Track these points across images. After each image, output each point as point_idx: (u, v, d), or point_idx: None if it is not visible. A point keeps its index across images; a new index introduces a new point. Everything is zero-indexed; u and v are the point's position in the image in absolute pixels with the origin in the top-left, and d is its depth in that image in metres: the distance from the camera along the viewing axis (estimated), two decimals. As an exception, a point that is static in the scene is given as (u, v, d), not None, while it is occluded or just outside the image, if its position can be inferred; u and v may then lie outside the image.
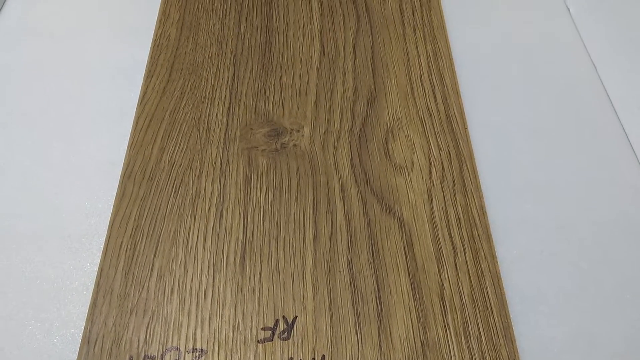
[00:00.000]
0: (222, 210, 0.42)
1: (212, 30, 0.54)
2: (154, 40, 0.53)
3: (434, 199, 0.43)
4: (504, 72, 0.53)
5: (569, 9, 0.58)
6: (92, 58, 0.54)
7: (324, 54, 0.53)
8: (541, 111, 0.51)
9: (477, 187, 0.44)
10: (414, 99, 0.49)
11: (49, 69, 0.53)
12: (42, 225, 0.43)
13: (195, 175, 0.44)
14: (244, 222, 0.41)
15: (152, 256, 0.40)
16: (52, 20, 0.58)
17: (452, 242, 0.40)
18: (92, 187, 0.45)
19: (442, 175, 0.44)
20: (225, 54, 0.52)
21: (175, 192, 0.43)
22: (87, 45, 0.55)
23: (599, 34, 0.54)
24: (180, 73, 0.51)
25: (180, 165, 0.45)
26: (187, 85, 0.50)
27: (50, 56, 0.54)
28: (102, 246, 0.41)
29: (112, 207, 0.42)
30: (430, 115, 0.48)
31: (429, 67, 0.51)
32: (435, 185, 0.43)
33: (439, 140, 0.46)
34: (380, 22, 0.55)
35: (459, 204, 0.42)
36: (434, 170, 0.44)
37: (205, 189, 0.43)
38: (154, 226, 0.41)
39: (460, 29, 0.56)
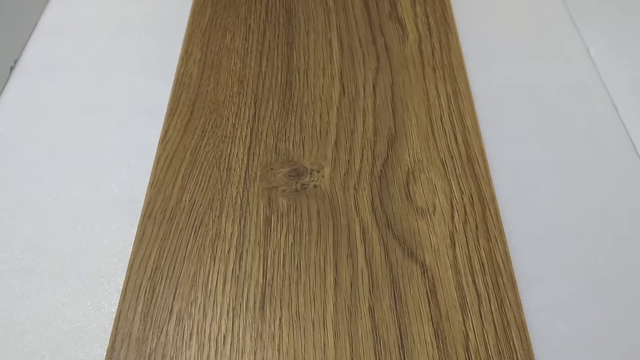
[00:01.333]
0: (242, 252, 0.42)
1: (234, 69, 0.55)
2: (176, 79, 0.54)
3: (456, 244, 0.42)
4: (524, 114, 0.53)
5: (588, 51, 0.58)
6: (116, 95, 0.55)
7: (344, 94, 0.53)
8: (563, 153, 0.50)
9: (501, 232, 0.43)
10: (435, 140, 0.49)
11: (72, 105, 0.54)
12: (61, 265, 0.43)
13: (215, 216, 0.44)
14: (264, 264, 0.41)
15: (171, 299, 0.39)
16: (75, 56, 0.59)
17: (477, 290, 0.39)
18: (112, 226, 0.45)
19: (465, 219, 0.43)
20: (247, 93, 0.53)
21: (195, 232, 0.43)
22: (110, 82, 0.56)
23: (620, 75, 0.54)
24: (202, 112, 0.51)
25: (201, 205, 0.45)
26: (209, 124, 0.50)
27: (73, 92, 0.55)
28: (120, 287, 0.40)
29: (131, 247, 0.42)
30: (452, 157, 0.48)
31: (449, 107, 0.51)
32: (457, 230, 0.43)
33: (460, 182, 0.46)
34: (400, 62, 0.55)
35: (482, 249, 0.42)
36: (456, 214, 0.44)
37: (225, 230, 0.43)
38: (174, 267, 0.41)
39: (480, 69, 0.56)
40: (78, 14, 0.63)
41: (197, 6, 0.60)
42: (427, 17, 0.59)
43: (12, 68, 0.58)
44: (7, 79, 0.57)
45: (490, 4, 0.64)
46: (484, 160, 0.47)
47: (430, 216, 0.44)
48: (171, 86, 0.53)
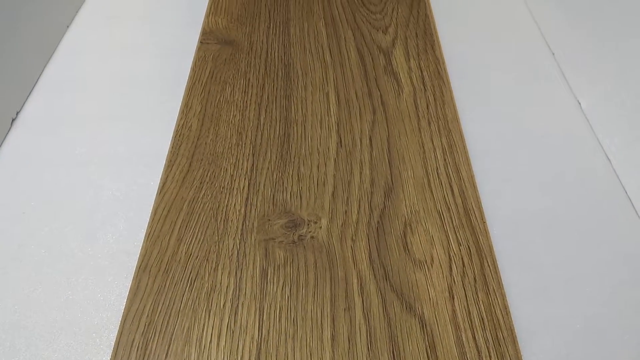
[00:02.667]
0: (237, 305, 0.41)
1: (233, 121, 0.56)
2: (176, 131, 0.54)
3: (455, 297, 0.41)
4: (518, 165, 0.54)
5: (579, 103, 0.59)
6: (115, 147, 0.55)
7: (341, 146, 0.54)
8: (558, 205, 0.50)
9: (499, 285, 0.42)
10: (431, 191, 0.49)
11: (71, 157, 0.54)
12: (53, 318, 0.42)
13: (211, 268, 0.44)
14: (259, 319, 0.40)
15: (164, 356, 0.38)
16: (76, 108, 0.60)
17: (477, 345, 0.39)
18: (106, 278, 0.44)
19: (463, 272, 0.43)
20: (245, 144, 0.53)
21: (190, 285, 0.42)
22: (110, 134, 0.57)
23: (612, 127, 0.55)
24: (200, 163, 0.52)
25: (197, 257, 0.44)
26: (207, 175, 0.50)
27: (73, 144, 0.56)
28: (112, 342, 0.39)
29: (125, 301, 0.41)
30: (448, 208, 0.48)
31: (444, 159, 0.52)
32: (456, 282, 0.42)
33: (458, 234, 0.46)
34: (396, 115, 0.56)
35: (481, 302, 0.41)
36: (454, 266, 0.44)
37: (220, 283, 0.43)
38: (167, 322, 0.40)
39: (474, 122, 0.57)
40: (80, 68, 0.65)
41: (198, 61, 0.62)
42: (421, 72, 0.61)
43: (13, 119, 0.59)
44: (8, 130, 0.57)
45: (482, 58, 0.66)
46: (481, 212, 0.47)
47: (428, 268, 0.43)
48: (171, 138, 0.54)
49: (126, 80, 0.63)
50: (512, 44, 0.68)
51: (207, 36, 0.65)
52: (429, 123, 0.55)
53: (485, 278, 0.43)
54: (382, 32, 0.66)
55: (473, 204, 0.48)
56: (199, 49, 0.64)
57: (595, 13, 0.58)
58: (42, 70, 0.65)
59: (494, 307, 0.41)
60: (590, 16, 0.59)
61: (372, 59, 0.63)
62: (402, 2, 0.71)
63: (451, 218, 0.47)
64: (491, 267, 0.43)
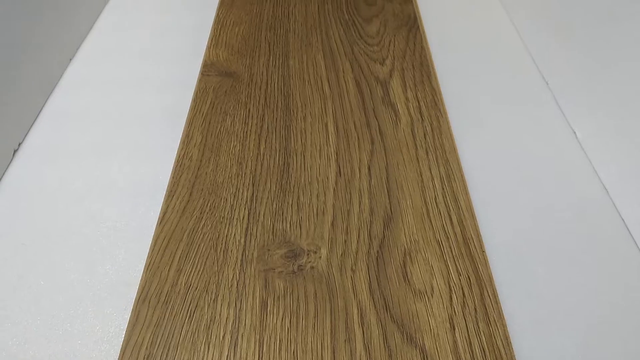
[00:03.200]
0: (237, 337, 0.41)
1: (233, 151, 0.56)
2: (177, 161, 0.55)
3: (456, 328, 0.41)
4: (516, 195, 0.54)
5: (575, 134, 0.60)
6: (115, 179, 0.56)
7: (340, 175, 0.54)
8: (556, 234, 0.51)
9: (500, 315, 0.42)
10: (430, 220, 0.49)
11: (72, 188, 0.55)
12: (52, 351, 0.41)
13: (210, 299, 0.43)
14: (259, 351, 0.40)
15: (163, 389, 0.38)
16: (78, 140, 0.60)
17: (479, 377, 0.38)
18: (105, 310, 0.44)
19: (464, 302, 0.43)
20: (245, 174, 0.54)
21: (190, 317, 0.42)
22: (110, 166, 0.57)
23: (608, 157, 0.55)
24: (201, 193, 0.52)
25: (197, 289, 0.44)
26: (207, 205, 0.51)
27: (74, 176, 0.56)
28: (110, 376, 0.39)
29: (124, 333, 0.41)
30: (447, 237, 0.48)
31: (443, 189, 0.52)
32: (456, 313, 0.42)
33: (457, 264, 0.46)
34: (394, 145, 0.57)
35: (482, 333, 0.41)
36: (454, 296, 0.43)
37: (220, 314, 0.42)
38: (167, 355, 0.40)
39: (471, 152, 0.58)
40: (83, 100, 0.66)
41: (199, 92, 0.63)
42: (418, 102, 0.62)
43: (15, 151, 0.59)
44: (10, 161, 0.58)
45: (477, 88, 0.67)
46: (480, 241, 0.47)
47: (428, 298, 0.43)
48: (171, 168, 0.54)
49: (127, 112, 0.64)
50: (507, 75, 0.69)
51: (208, 68, 0.67)
52: (427, 152, 0.56)
53: (486, 308, 0.43)
54: (380, 64, 0.68)
55: (472, 233, 0.48)
56: (200, 81, 0.65)
57: (588, 42, 0.60)
58: (45, 102, 0.66)
59: (495, 337, 0.41)
60: (584, 45, 0.60)
61: (370, 90, 0.64)
62: (399, 35, 0.73)
63: (450, 247, 0.47)
64: (491, 297, 0.43)
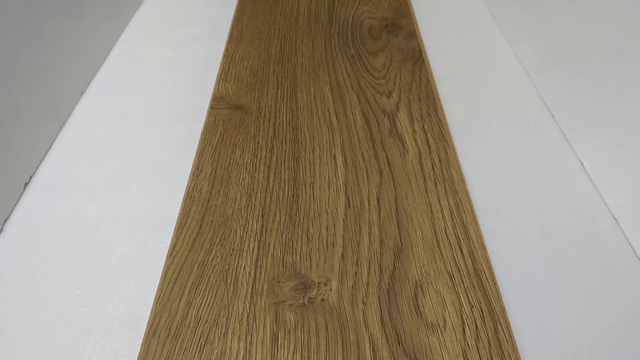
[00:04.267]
0: (248, 372, 0.40)
1: (243, 183, 0.57)
2: (187, 193, 0.55)
3: (470, 362, 0.41)
4: (525, 225, 0.54)
5: (582, 164, 0.61)
6: (126, 211, 0.56)
7: (350, 206, 0.54)
8: (568, 265, 0.50)
9: (514, 349, 0.42)
10: (441, 252, 0.49)
11: (82, 221, 0.55)
12: (59, 387, 0.41)
13: (221, 332, 0.43)
14: (271, 386, 0.39)
15: None
16: (89, 174, 0.61)
17: (495, 413, 0.37)
18: (114, 344, 0.44)
19: (477, 335, 0.42)
20: (254, 206, 0.54)
21: (200, 350, 0.42)
22: (121, 198, 0.58)
23: (616, 187, 0.56)
24: (211, 225, 0.52)
25: (207, 322, 0.44)
26: (217, 237, 0.51)
27: (84, 209, 0.56)
28: (119, 412, 0.38)
29: (133, 368, 0.41)
30: (459, 269, 0.48)
31: (452, 220, 0.52)
32: (470, 347, 0.42)
33: (469, 296, 0.45)
34: (402, 176, 0.57)
35: (497, 367, 0.40)
36: (467, 329, 0.43)
37: (230, 348, 0.42)
38: (177, 390, 0.39)
39: (479, 183, 0.58)
40: (94, 134, 0.67)
41: (209, 125, 0.64)
42: (425, 134, 0.63)
43: (26, 184, 0.60)
44: (21, 194, 0.58)
45: (483, 120, 0.68)
46: (491, 273, 0.47)
47: (441, 331, 0.43)
48: (181, 201, 0.55)
49: (138, 145, 0.65)
50: (513, 107, 0.70)
51: (218, 101, 0.68)
52: (436, 184, 0.56)
53: (500, 342, 0.42)
54: (386, 96, 0.69)
55: (483, 264, 0.48)
56: (209, 114, 0.66)
57: (593, 73, 0.60)
58: (57, 135, 0.67)
59: (510, 372, 0.40)
60: (589, 77, 0.61)
61: (377, 122, 0.65)
62: (404, 68, 0.74)
63: (462, 279, 0.47)
64: (505, 331, 0.43)
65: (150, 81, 0.77)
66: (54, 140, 0.66)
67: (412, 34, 0.81)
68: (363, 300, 0.45)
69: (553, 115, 0.68)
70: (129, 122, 0.69)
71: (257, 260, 0.49)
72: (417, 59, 0.76)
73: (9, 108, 0.58)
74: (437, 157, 0.60)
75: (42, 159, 0.63)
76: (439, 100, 0.68)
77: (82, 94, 0.74)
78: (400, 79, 0.72)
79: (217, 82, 0.72)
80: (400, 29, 0.83)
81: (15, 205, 0.57)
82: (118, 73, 0.79)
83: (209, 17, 0.92)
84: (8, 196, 0.57)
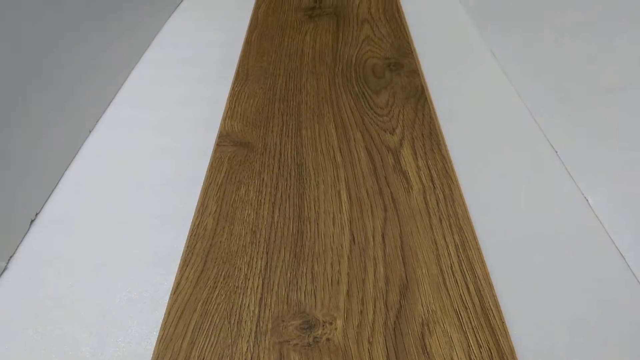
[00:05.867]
0: (251, 415, 0.39)
1: (247, 219, 0.57)
2: (191, 230, 0.55)
3: (480, 404, 0.40)
4: (533, 264, 0.54)
5: (587, 201, 0.60)
6: (131, 249, 0.56)
7: (354, 243, 0.54)
8: (576, 303, 0.50)
9: (525, 390, 0.41)
10: (447, 290, 0.49)
11: (86, 258, 0.55)
12: None
13: (224, 373, 0.42)
14: None
15: None
16: (94, 211, 0.61)
17: None
18: (116, 385, 0.43)
19: (486, 376, 0.41)
20: (259, 242, 0.54)
21: (203, 392, 0.41)
22: (126, 236, 0.58)
23: (622, 223, 0.55)
24: (215, 262, 0.52)
25: (210, 362, 0.43)
26: (221, 275, 0.51)
27: (89, 246, 0.57)
28: None
29: (135, 410, 0.40)
30: (466, 307, 0.47)
31: (458, 257, 0.52)
32: (479, 388, 0.41)
33: (477, 336, 0.45)
34: (407, 212, 0.57)
35: (507, 410, 0.39)
36: (476, 369, 0.42)
37: (234, 390, 0.41)
38: None
39: (484, 220, 0.58)
40: (100, 172, 0.68)
41: (214, 162, 0.65)
42: (429, 170, 0.63)
43: (32, 221, 0.60)
44: (26, 232, 0.58)
45: (486, 158, 0.68)
46: (499, 312, 0.46)
47: (449, 372, 0.42)
48: (186, 238, 0.55)
49: (144, 182, 0.65)
50: (515, 144, 0.71)
51: (224, 139, 0.69)
52: (440, 220, 0.56)
53: (510, 383, 0.41)
54: (390, 133, 0.70)
55: (491, 303, 0.47)
56: (215, 151, 0.67)
57: (595, 109, 0.61)
58: (64, 173, 0.67)
59: (521, 415, 0.39)
60: (591, 113, 0.62)
61: (381, 158, 0.65)
62: (407, 106, 0.75)
63: (469, 318, 0.46)
64: (515, 371, 0.42)
65: (157, 119, 0.78)
66: (60, 178, 0.67)
67: (415, 72, 0.83)
68: (369, 340, 0.45)
69: (556, 152, 0.68)
70: (136, 159, 0.70)
71: (261, 298, 0.49)
72: (419, 96, 0.77)
73: (17, 145, 0.59)
74: (441, 194, 0.60)
75: (49, 196, 0.64)
76: (442, 136, 0.69)
77: (90, 131, 0.76)
78: (403, 116, 0.73)
79: (223, 120, 0.73)
80: (403, 68, 0.84)
81: (20, 243, 0.57)
82: (125, 111, 0.80)
83: (215, 57, 0.95)
84: (14, 233, 0.57)
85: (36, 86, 0.63)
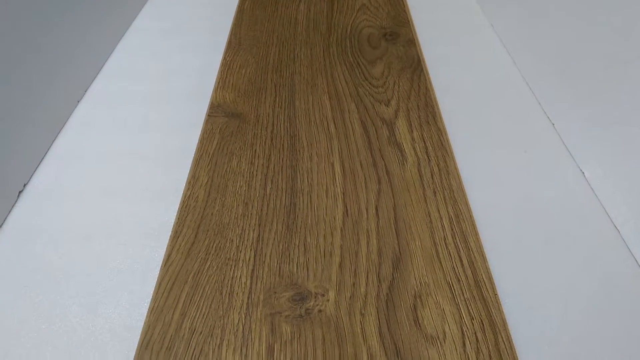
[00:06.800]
0: (243, 385, 0.39)
1: (239, 192, 0.56)
2: (182, 202, 0.55)
3: (470, 375, 0.40)
4: (526, 236, 0.53)
5: (583, 174, 0.60)
6: (120, 220, 0.55)
7: (348, 215, 0.53)
8: (569, 276, 0.50)
9: (516, 361, 0.41)
10: (440, 262, 0.49)
11: (75, 229, 0.54)
12: (49, 400, 0.40)
13: (215, 345, 0.42)
14: (266, 400, 0.38)
15: None
16: (83, 182, 0.60)
17: None
18: (107, 355, 0.43)
19: (477, 348, 0.42)
20: (251, 215, 0.53)
21: (194, 363, 0.41)
22: (116, 207, 0.57)
23: (618, 196, 0.55)
24: (206, 234, 0.51)
25: (201, 333, 0.43)
26: (212, 247, 0.50)
27: (78, 217, 0.56)
28: None
29: (125, 381, 0.40)
30: (458, 280, 0.47)
31: (452, 229, 0.52)
32: (470, 359, 0.41)
33: (470, 307, 0.45)
34: (401, 184, 0.57)
35: (498, 380, 0.39)
36: (467, 341, 0.42)
37: (225, 360, 0.41)
38: (169, 404, 0.38)
39: (478, 192, 0.57)
40: (89, 142, 0.66)
41: (205, 133, 0.63)
42: (424, 142, 0.62)
43: (20, 192, 0.59)
44: (15, 203, 0.57)
45: (483, 129, 0.67)
46: (492, 284, 0.46)
47: (440, 344, 0.42)
48: (176, 209, 0.54)
49: (134, 153, 0.64)
50: (512, 116, 0.70)
51: (215, 109, 0.67)
52: (435, 193, 0.56)
53: (500, 354, 0.41)
54: (385, 104, 0.68)
55: (483, 275, 0.47)
56: (206, 122, 0.65)
57: (594, 82, 0.60)
58: (52, 144, 0.66)
59: (511, 385, 0.39)
60: (589, 85, 0.61)
61: (375, 130, 0.64)
62: (403, 77, 0.73)
63: (462, 290, 0.46)
64: (506, 343, 0.42)
65: (147, 89, 0.76)
66: (49, 148, 0.65)
67: (411, 42, 0.81)
68: (361, 312, 0.44)
69: (553, 124, 0.67)
70: (125, 130, 0.68)
71: (253, 270, 0.48)
72: (415, 67, 0.75)
73: (4, 115, 0.57)
74: (436, 166, 0.59)
75: (37, 167, 0.62)
76: (438, 108, 0.68)
77: (78, 101, 0.74)
78: (398, 87, 0.72)
79: (215, 90, 0.71)
80: (399, 37, 0.82)
81: (8, 214, 0.56)
82: (114, 81, 0.79)
83: (206, 26, 0.92)
84: (1, 204, 0.56)
85: (23, 57, 0.61)
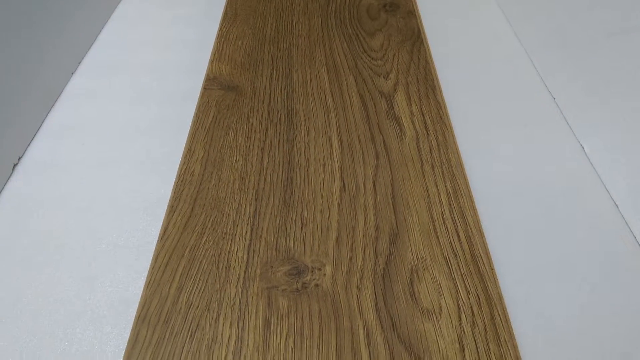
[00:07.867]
0: (239, 358, 0.39)
1: (236, 166, 0.55)
2: (178, 176, 0.54)
3: (465, 349, 0.40)
4: (524, 211, 0.53)
5: (583, 148, 0.59)
6: (116, 194, 0.55)
7: (345, 190, 0.53)
8: (566, 251, 0.50)
9: (511, 335, 0.41)
10: (437, 237, 0.48)
11: (71, 203, 0.54)
12: (47, 372, 0.40)
13: (212, 318, 0.42)
14: (263, 372, 0.39)
15: (163, 413, 0.36)
16: (78, 155, 0.60)
17: (490, 401, 0.37)
18: (104, 328, 0.43)
19: (473, 321, 0.42)
20: (248, 189, 0.53)
21: (191, 336, 0.41)
22: (111, 181, 0.56)
23: (617, 171, 0.55)
24: (203, 208, 0.51)
25: (198, 307, 0.43)
26: (209, 221, 0.50)
27: (73, 191, 0.55)
28: (108, 398, 0.38)
29: (122, 354, 0.40)
30: (455, 255, 0.47)
31: (450, 204, 0.51)
32: (466, 333, 0.41)
33: (466, 282, 0.45)
34: (399, 159, 0.56)
35: (492, 354, 0.40)
36: (463, 315, 0.42)
37: (222, 334, 0.41)
38: (167, 376, 0.38)
39: (477, 167, 0.57)
40: (83, 115, 0.65)
41: (201, 106, 0.62)
42: (423, 116, 0.61)
43: (15, 165, 0.58)
44: (9, 176, 0.57)
45: (482, 103, 0.66)
46: (489, 259, 0.46)
47: (436, 318, 0.42)
48: (173, 184, 0.53)
49: (129, 125, 0.63)
50: (513, 90, 0.69)
51: (211, 82, 0.66)
52: (433, 167, 0.55)
53: (496, 328, 0.41)
54: (384, 77, 0.67)
55: (480, 250, 0.47)
56: (202, 95, 0.64)
57: (595, 56, 0.59)
58: (46, 116, 0.65)
59: (505, 359, 0.39)
60: (591, 59, 0.60)
61: (374, 103, 0.63)
62: (403, 49, 0.72)
63: (458, 265, 0.46)
64: (502, 317, 0.42)
65: (141, 61, 0.75)
66: (43, 121, 0.64)
67: (411, 14, 0.79)
68: (357, 286, 0.45)
69: (554, 98, 0.67)
70: (120, 102, 0.67)
71: (250, 244, 0.48)
72: (415, 39, 0.74)
73: (-5, 87, 0.56)
74: (434, 140, 0.58)
75: (31, 140, 0.62)
76: (438, 81, 0.67)
77: (72, 73, 0.73)
78: (398, 60, 0.70)
79: (211, 62, 0.70)
80: (399, 9, 0.81)
81: (3, 187, 0.55)
82: (109, 52, 0.77)
83: (203, -5, 0.90)
84: (-4, 178, 0.55)
85: (16, 27, 0.59)
